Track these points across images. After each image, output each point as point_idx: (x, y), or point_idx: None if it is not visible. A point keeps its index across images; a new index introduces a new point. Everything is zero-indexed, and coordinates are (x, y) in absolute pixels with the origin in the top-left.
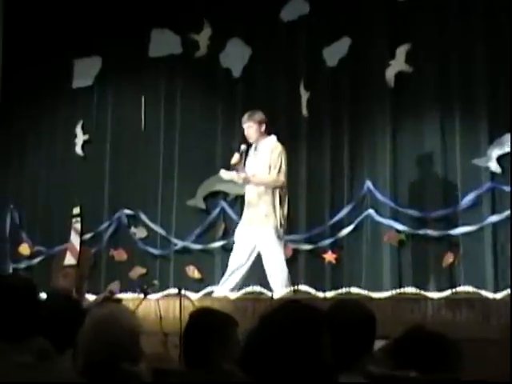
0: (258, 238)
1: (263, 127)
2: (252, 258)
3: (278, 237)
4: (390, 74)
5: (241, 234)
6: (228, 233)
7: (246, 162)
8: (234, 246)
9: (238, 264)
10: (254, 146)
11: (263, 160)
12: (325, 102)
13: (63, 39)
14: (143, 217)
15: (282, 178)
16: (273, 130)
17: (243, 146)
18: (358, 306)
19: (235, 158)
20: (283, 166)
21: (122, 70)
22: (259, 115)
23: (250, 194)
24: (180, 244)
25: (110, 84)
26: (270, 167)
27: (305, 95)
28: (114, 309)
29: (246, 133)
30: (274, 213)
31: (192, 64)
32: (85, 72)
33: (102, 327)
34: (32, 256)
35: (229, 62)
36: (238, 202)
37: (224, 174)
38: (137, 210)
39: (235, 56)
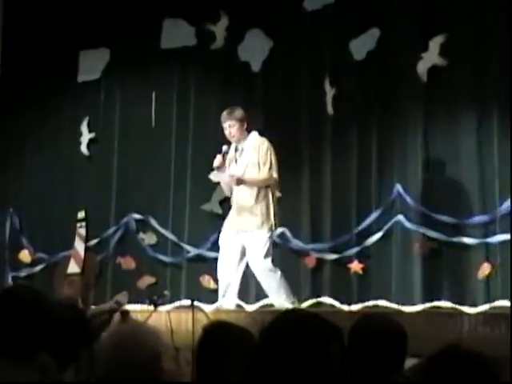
0: (250, 242)
1: (245, 125)
2: (243, 264)
3: (271, 240)
4: (423, 68)
5: (228, 239)
6: None
7: (229, 164)
8: (222, 252)
9: (233, 272)
10: (234, 145)
11: (250, 159)
12: (351, 99)
13: (67, 29)
14: (153, 222)
15: (275, 174)
16: (295, 129)
17: (225, 147)
18: (386, 321)
19: (218, 160)
20: (274, 162)
21: (132, 63)
22: (240, 112)
23: (243, 196)
24: (193, 251)
25: (119, 78)
26: (258, 165)
27: (330, 92)
28: (135, 326)
29: (226, 132)
30: (268, 215)
31: (207, 57)
32: (91, 65)
33: (120, 344)
34: (33, 263)
35: (248, 55)
36: None
37: (214, 176)
38: (146, 215)
39: (255, 48)
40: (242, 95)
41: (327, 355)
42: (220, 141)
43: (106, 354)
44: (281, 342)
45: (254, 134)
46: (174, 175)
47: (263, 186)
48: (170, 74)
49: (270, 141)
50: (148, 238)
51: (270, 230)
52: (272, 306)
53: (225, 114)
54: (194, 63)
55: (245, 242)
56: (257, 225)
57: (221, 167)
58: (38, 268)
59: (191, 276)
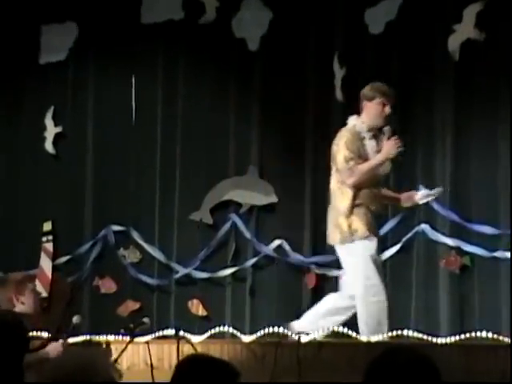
0: None
1: None
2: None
3: None
4: (455, 43)
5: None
6: (240, 256)
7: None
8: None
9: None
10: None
11: None
12: (366, 81)
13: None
14: (135, 235)
15: None
16: (297, 119)
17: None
18: (416, 355)
19: None
20: None
21: (106, 41)
22: None
23: None
24: (182, 271)
25: (90, 59)
26: None
27: (339, 73)
28: (85, 357)
29: (387, 112)
30: None
31: (196, 33)
32: (56, 43)
33: (68, 378)
34: None
35: (244, 31)
36: (253, 214)
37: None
38: (127, 226)
39: (252, 22)
40: (238, 79)
41: None
42: (213, 137)
43: None
44: None
45: None
46: (159, 178)
47: None
48: (153, 54)
49: (267, 134)
50: (130, 255)
51: None
52: (276, 335)
53: (391, 90)
54: (181, 40)
55: None
56: None
57: None
58: None
59: (180, 301)
